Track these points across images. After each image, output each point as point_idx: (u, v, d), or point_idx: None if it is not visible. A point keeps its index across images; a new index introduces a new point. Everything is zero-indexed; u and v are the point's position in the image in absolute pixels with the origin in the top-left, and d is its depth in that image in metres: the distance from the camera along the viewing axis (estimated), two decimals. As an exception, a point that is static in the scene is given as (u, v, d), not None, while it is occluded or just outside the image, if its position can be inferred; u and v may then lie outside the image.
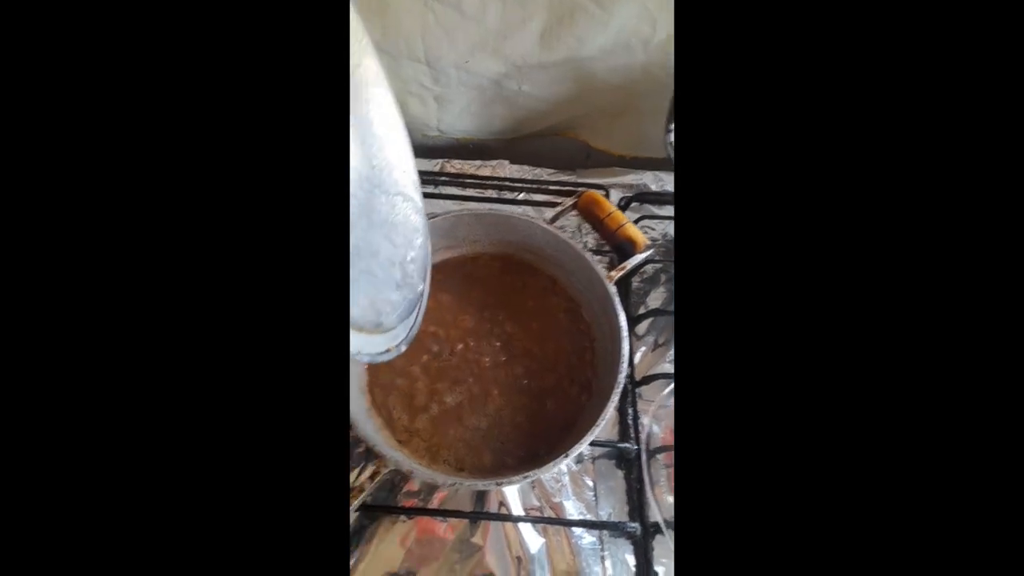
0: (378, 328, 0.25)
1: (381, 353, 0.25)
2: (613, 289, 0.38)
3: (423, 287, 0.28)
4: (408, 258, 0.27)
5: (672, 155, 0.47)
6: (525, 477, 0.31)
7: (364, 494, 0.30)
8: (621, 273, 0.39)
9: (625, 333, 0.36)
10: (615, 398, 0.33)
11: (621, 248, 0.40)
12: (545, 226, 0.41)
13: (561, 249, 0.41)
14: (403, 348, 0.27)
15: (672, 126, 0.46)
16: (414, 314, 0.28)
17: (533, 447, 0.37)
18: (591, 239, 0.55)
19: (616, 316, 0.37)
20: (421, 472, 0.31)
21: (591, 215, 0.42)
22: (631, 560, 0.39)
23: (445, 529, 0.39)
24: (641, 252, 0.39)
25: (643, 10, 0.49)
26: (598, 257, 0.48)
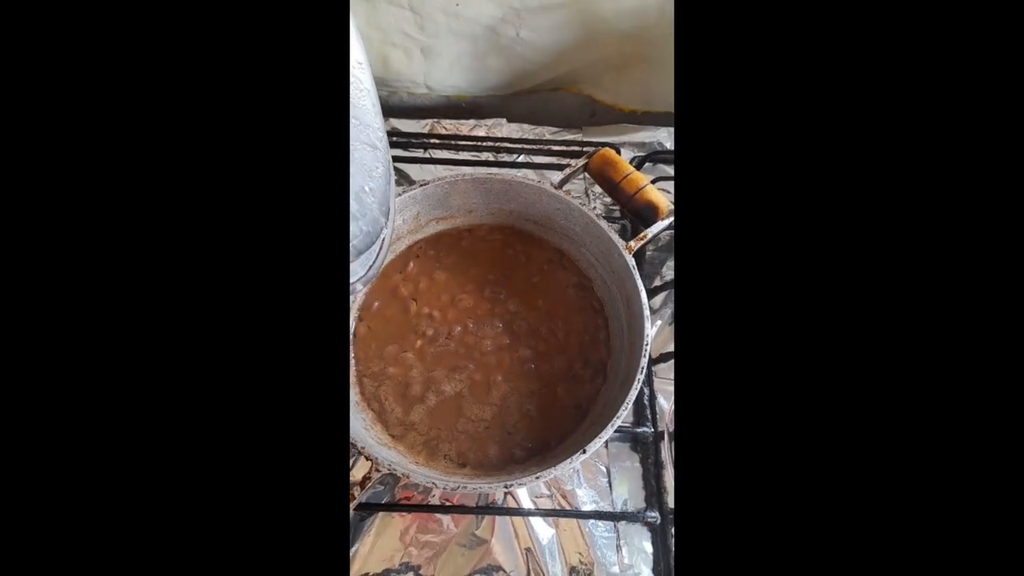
0: None
1: None
2: (632, 262, 0.34)
3: (385, 223, 0.25)
4: (366, 188, 0.23)
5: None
6: (537, 477, 0.28)
7: (355, 502, 0.27)
8: (642, 243, 0.35)
9: (647, 311, 0.32)
10: (637, 384, 0.30)
11: (640, 214, 0.36)
12: (553, 191, 0.36)
13: (572, 217, 0.37)
14: (359, 287, 0.23)
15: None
16: (374, 250, 0.24)
17: (543, 437, 0.34)
18: (599, 204, 0.50)
19: (637, 292, 0.33)
20: (418, 474, 0.28)
21: (604, 178, 0.37)
22: (648, 547, 0.37)
23: (448, 522, 0.36)
24: (664, 218, 0.35)
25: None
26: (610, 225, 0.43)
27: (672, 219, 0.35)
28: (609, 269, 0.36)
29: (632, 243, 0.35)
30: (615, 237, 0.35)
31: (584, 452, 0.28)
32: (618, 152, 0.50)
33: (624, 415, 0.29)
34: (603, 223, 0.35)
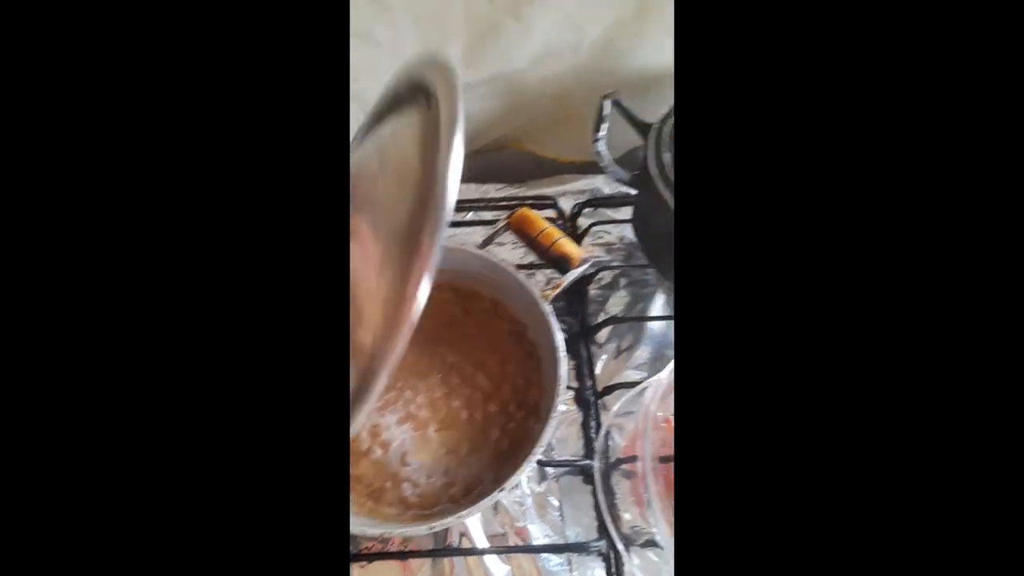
0: None
1: None
2: (548, 308, 0.37)
3: None
4: None
5: (602, 160, 0.47)
6: (458, 517, 0.30)
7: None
8: (557, 291, 0.38)
9: (562, 354, 0.35)
10: (552, 423, 0.32)
11: (557, 264, 0.39)
12: (475, 251, 0.40)
13: (497, 271, 0.41)
14: None
15: (600, 132, 0.45)
16: None
17: (479, 477, 0.36)
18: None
19: (552, 336, 0.36)
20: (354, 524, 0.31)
21: (523, 234, 0.41)
22: (601, 576, 0.38)
23: (404, 569, 0.38)
24: (577, 267, 0.39)
25: (563, 16, 0.48)
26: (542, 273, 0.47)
27: (584, 267, 0.39)
28: (532, 317, 0.40)
29: (548, 291, 0.38)
30: (530, 286, 0.38)
31: (502, 490, 0.30)
32: (555, 203, 0.55)
33: (559, 443, 0.32)
34: (520, 275, 0.39)
